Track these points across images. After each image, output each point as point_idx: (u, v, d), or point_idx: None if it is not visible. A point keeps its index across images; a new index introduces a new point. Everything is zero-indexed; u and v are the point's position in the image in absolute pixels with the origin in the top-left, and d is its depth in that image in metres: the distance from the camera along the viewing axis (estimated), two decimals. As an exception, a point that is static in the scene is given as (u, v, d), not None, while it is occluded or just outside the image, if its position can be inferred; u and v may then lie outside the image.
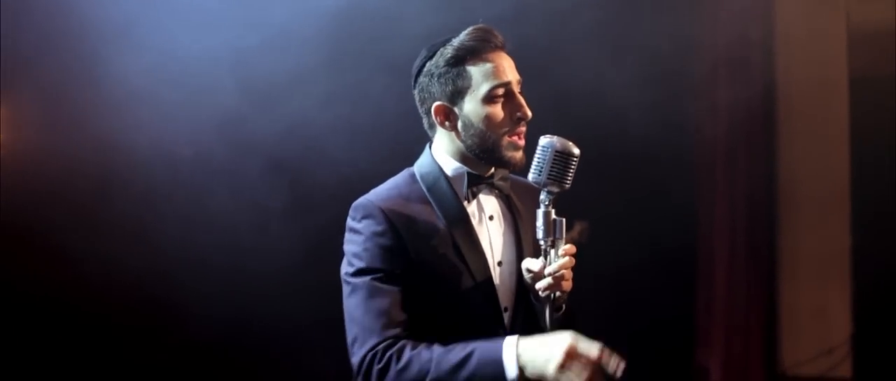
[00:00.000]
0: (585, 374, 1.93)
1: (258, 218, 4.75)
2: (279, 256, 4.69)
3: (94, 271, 4.59)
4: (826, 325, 5.69)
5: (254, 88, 4.66)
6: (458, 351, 1.96)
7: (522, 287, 2.18)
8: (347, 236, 2.15)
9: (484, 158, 2.17)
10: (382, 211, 2.12)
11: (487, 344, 1.96)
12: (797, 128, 5.78)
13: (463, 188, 2.17)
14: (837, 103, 5.74)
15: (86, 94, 4.55)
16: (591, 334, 2.08)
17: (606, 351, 1.95)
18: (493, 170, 2.22)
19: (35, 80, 4.57)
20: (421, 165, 2.24)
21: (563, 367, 1.91)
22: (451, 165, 2.20)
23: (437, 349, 1.96)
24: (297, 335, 4.69)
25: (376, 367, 1.98)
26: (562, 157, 2.10)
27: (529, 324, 2.18)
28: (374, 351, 2.00)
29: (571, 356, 1.92)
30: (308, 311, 4.56)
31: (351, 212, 2.15)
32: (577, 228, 4.88)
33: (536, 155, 2.11)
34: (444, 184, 2.18)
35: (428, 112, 2.20)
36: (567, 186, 2.11)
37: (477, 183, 2.18)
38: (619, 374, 1.96)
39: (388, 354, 1.98)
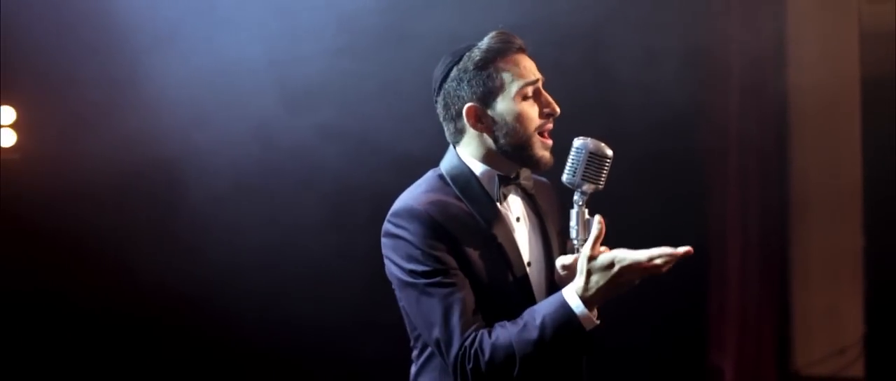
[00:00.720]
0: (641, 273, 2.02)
1: (295, 221, 4.85)
2: (315, 258, 4.79)
3: (143, 275, 4.76)
4: (838, 325, 5.71)
5: (290, 93, 4.76)
6: (529, 325, 2.01)
7: (552, 286, 2.22)
8: (391, 242, 2.14)
9: (515, 156, 2.18)
10: (428, 214, 2.13)
11: (549, 305, 2.03)
12: (809, 130, 5.79)
13: (495, 189, 2.19)
14: (849, 105, 5.75)
15: (126, 98, 4.68)
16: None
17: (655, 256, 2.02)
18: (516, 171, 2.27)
19: (78, 86, 4.69)
20: (449, 168, 2.24)
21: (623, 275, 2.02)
22: (479, 167, 2.21)
23: (508, 328, 2.01)
24: (333, 335, 4.79)
25: (468, 367, 2.01)
26: (596, 158, 2.13)
27: None
28: (462, 351, 2.02)
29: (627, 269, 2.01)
30: (345, 312, 4.72)
31: (392, 218, 2.15)
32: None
33: (570, 156, 2.15)
34: (476, 185, 2.20)
35: (457, 115, 2.20)
36: (601, 186, 2.15)
37: (506, 184, 2.20)
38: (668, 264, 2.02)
39: (472, 351, 2.00)
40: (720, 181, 5.55)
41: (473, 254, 2.11)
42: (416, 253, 2.09)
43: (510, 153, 2.18)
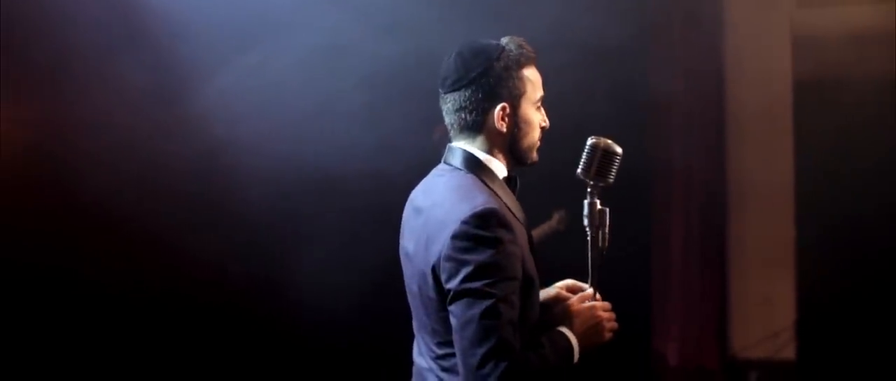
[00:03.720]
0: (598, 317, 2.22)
1: (349, 221, 5.05)
2: (367, 256, 4.86)
3: (205, 265, 4.95)
4: (772, 311, 5.91)
5: (346, 95, 4.91)
6: (548, 350, 2.10)
7: None
8: (470, 245, 2.02)
9: (520, 156, 2.23)
10: (511, 217, 2.11)
11: (558, 337, 2.15)
12: (745, 129, 5.97)
13: (516, 187, 2.26)
14: (782, 106, 5.94)
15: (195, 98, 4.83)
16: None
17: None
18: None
19: (146, 85, 4.81)
20: (475, 167, 2.19)
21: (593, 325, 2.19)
22: (496, 166, 2.21)
23: (534, 358, 2.07)
24: (385, 333, 4.98)
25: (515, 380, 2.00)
26: (607, 155, 2.25)
27: None
28: (513, 365, 1.99)
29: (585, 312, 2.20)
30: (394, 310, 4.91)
31: (476, 220, 2.02)
32: (556, 217, 5.15)
33: (585, 154, 2.26)
34: (502, 184, 2.20)
35: (486, 110, 2.17)
36: (611, 180, 2.27)
37: (514, 182, 2.27)
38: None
39: (519, 369, 2.01)
40: (663, 179, 5.77)
41: (527, 255, 2.15)
42: (505, 261, 2.03)
43: (520, 152, 2.22)
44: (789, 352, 5.88)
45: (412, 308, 2.26)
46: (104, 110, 4.79)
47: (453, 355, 2.09)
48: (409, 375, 2.31)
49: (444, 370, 2.14)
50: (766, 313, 5.92)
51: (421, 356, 2.24)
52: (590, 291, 2.26)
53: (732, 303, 5.97)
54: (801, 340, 5.89)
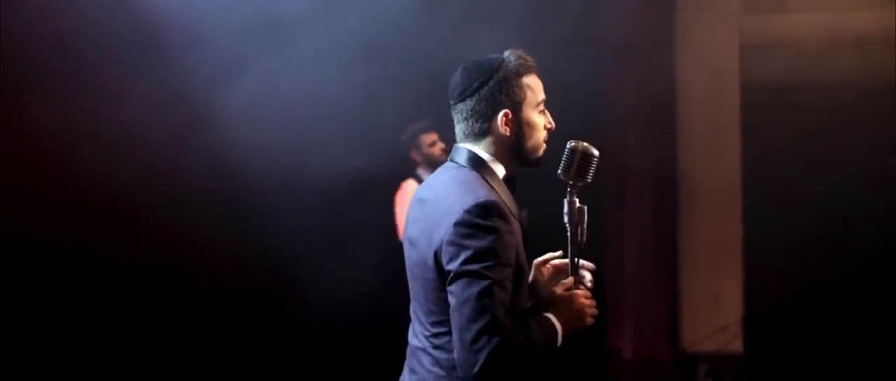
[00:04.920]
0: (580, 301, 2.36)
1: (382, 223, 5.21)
2: (371, 250, 5.09)
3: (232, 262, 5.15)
4: (720, 307, 6.02)
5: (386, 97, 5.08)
6: (536, 332, 2.24)
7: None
8: (472, 231, 2.18)
9: (525, 158, 2.39)
10: (508, 210, 2.26)
11: (544, 322, 2.29)
12: (695, 132, 6.09)
13: (515, 187, 2.41)
14: (730, 109, 6.08)
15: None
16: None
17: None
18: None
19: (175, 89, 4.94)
20: (478, 166, 2.35)
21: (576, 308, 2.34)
22: (498, 167, 2.37)
23: (523, 338, 2.22)
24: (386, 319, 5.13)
25: (506, 356, 2.14)
26: (585, 157, 2.39)
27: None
28: (504, 342, 2.14)
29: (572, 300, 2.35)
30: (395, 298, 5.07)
31: (477, 210, 2.19)
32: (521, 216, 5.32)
33: (564, 156, 2.40)
34: (501, 182, 2.36)
35: (489, 117, 2.33)
36: (589, 180, 2.41)
37: (513, 182, 2.42)
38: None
39: (510, 345, 2.15)
40: (617, 181, 5.87)
41: (521, 249, 2.29)
42: (496, 246, 2.18)
43: (521, 154, 2.37)
44: (737, 346, 5.99)
45: (411, 292, 2.41)
46: (123, 110, 4.92)
47: (445, 334, 2.26)
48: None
49: (436, 347, 2.30)
50: (714, 309, 6.02)
51: (415, 337, 2.39)
52: (572, 279, 2.39)
53: (683, 299, 6.07)
54: (747, 334, 6.00)
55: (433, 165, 5.09)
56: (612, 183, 5.87)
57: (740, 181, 6.09)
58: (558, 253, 2.53)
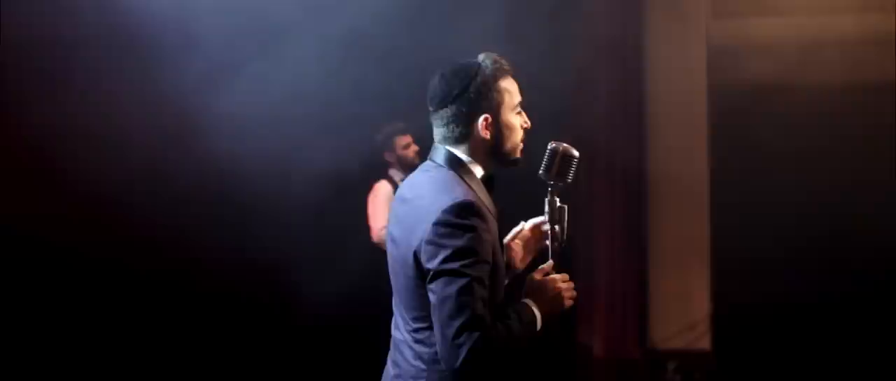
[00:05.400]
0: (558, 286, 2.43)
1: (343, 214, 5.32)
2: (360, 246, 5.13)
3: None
4: (689, 305, 6.10)
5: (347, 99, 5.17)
6: (514, 321, 2.29)
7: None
8: (450, 231, 2.23)
9: (503, 158, 2.44)
10: (485, 209, 2.31)
11: (523, 309, 2.34)
12: (664, 132, 6.16)
13: (492, 186, 2.46)
14: (698, 110, 6.16)
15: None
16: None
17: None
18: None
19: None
20: (456, 166, 2.40)
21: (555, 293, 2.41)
22: (476, 167, 2.42)
23: (501, 328, 2.27)
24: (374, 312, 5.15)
25: (486, 348, 2.20)
26: (566, 158, 2.47)
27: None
28: (484, 336, 2.19)
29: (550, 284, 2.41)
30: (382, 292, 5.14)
31: (455, 210, 2.24)
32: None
33: (545, 157, 2.47)
34: (479, 182, 2.40)
35: (469, 121, 2.37)
36: (569, 180, 2.48)
37: (491, 182, 2.47)
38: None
39: (489, 338, 2.21)
40: (588, 181, 5.90)
41: (497, 247, 2.35)
42: (474, 244, 2.23)
43: (500, 155, 2.42)
44: (705, 343, 6.05)
45: (393, 287, 2.46)
46: (113, 111, 5.03)
47: (426, 328, 2.32)
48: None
49: (417, 341, 2.36)
50: (683, 307, 6.10)
51: (397, 330, 2.45)
52: (550, 264, 2.45)
53: (652, 298, 6.13)
54: (715, 331, 6.07)
55: (406, 166, 5.11)
56: (583, 183, 5.89)
57: (708, 182, 6.15)
58: (520, 227, 2.58)
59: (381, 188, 5.19)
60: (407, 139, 5.22)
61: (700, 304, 6.12)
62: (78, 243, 5.06)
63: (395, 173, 5.23)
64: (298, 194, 5.23)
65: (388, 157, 5.24)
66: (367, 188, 5.24)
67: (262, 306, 5.52)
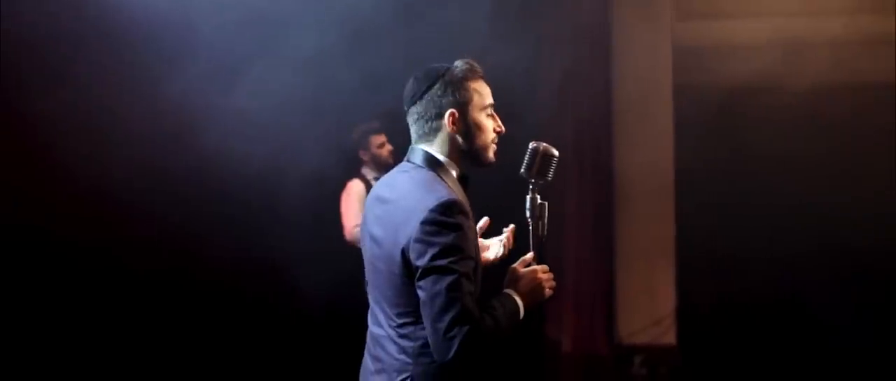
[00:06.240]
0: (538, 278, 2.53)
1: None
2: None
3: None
4: (655, 301, 6.17)
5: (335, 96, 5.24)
6: (499, 311, 2.38)
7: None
8: (437, 229, 2.31)
9: (473, 156, 2.52)
10: (465, 208, 2.39)
11: (506, 299, 2.44)
12: (630, 132, 6.23)
13: (467, 185, 2.55)
14: (663, 111, 6.24)
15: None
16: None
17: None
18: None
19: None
20: (434, 166, 2.49)
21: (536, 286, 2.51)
22: (451, 165, 2.51)
23: (488, 319, 2.36)
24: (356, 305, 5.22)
25: (477, 340, 2.28)
26: (546, 157, 2.58)
27: None
28: (474, 329, 2.28)
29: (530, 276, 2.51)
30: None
31: (441, 209, 2.31)
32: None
33: (526, 156, 2.58)
34: (455, 181, 2.50)
35: (438, 116, 2.48)
36: (549, 178, 2.59)
37: (464, 179, 2.56)
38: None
39: (479, 330, 2.30)
40: (555, 180, 5.93)
41: (476, 243, 2.44)
42: (460, 242, 2.32)
43: (469, 153, 2.51)
44: (670, 338, 6.12)
45: (371, 285, 2.54)
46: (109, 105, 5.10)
47: (411, 323, 2.41)
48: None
49: (402, 336, 2.44)
50: (649, 303, 6.16)
51: (378, 326, 2.52)
52: (531, 255, 2.56)
53: (618, 294, 6.19)
54: (680, 326, 6.15)
55: (381, 165, 5.17)
56: (550, 182, 5.91)
57: (673, 181, 6.22)
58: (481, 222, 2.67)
59: (354, 187, 5.23)
60: (381, 138, 5.26)
61: (666, 300, 6.19)
62: (78, 238, 5.12)
63: (368, 172, 5.27)
64: (299, 191, 5.31)
65: (363, 155, 5.28)
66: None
67: (260, 300, 5.61)
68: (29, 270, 5.11)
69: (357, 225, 5.01)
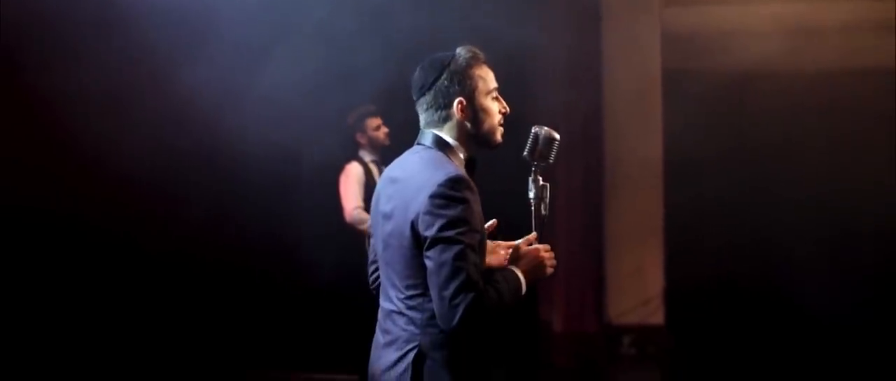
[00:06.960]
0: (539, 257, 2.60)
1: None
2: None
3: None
4: (643, 282, 6.28)
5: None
6: (502, 285, 2.47)
7: None
8: (445, 202, 2.40)
9: (481, 140, 2.60)
10: (471, 184, 2.47)
11: (509, 274, 2.52)
12: (620, 115, 6.33)
13: (475, 168, 2.62)
14: (652, 96, 6.34)
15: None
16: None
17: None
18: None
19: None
20: (443, 147, 2.58)
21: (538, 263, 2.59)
22: (460, 149, 2.59)
23: (492, 291, 2.44)
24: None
25: (480, 308, 2.36)
26: (548, 141, 2.65)
27: None
28: (478, 297, 2.36)
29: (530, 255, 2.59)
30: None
31: (450, 184, 2.42)
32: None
33: (529, 140, 2.64)
34: (462, 163, 2.57)
35: (447, 105, 2.57)
36: (551, 161, 2.67)
37: (471, 162, 2.63)
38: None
39: (483, 299, 2.38)
40: (549, 166, 5.99)
41: (483, 219, 2.51)
42: (467, 215, 2.41)
43: (481, 137, 2.59)
44: (658, 318, 6.26)
45: (382, 261, 2.64)
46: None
47: (419, 295, 2.50)
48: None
49: (410, 308, 2.53)
50: (637, 284, 6.29)
51: (388, 301, 2.61)
52: (534, 235, 2.64)
53: (608, 275, 6.30)
54: (668, 306, 6.27)
55: (377, 147, 5.26)
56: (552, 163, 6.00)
57: (662, 164, 6.31)
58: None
59: (353, 169, 5.30)
60: (377, 121, 5.33)
61: (654, 281, 6.31)
62: (97, 219, 5.21)
63: (365, 154, 5.34)
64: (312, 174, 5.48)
65: (360, 138, 5.35)
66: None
67: (284, 277, 5.77)
68: (48, 250, 5.15)
69: (357, 207, 5.10)
